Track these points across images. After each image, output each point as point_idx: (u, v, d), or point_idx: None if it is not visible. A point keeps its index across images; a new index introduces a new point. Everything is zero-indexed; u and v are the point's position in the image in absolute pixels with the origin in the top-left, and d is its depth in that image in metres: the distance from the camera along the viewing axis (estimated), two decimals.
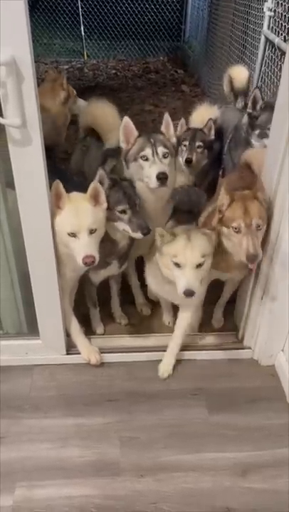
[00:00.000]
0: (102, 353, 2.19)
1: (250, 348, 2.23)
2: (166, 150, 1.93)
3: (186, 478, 1.74)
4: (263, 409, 2.01)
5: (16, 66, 1.39)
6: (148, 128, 3.24)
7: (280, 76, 2.02)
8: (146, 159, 1.92)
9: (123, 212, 1.82)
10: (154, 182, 1.88)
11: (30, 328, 2.11)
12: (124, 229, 1.85)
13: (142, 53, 7.60)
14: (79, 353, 2.17)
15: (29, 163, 1.59)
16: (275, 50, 3.15)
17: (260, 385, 2.11)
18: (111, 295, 2.40)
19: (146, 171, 1.91)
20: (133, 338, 2.29)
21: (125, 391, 2.06)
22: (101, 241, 1.83)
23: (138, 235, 1.82)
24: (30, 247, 1.81)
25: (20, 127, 1.49)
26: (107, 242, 1.92)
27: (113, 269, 2.09)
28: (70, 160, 2.80)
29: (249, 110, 2.41)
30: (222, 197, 1.79)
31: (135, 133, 1.97)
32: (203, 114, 2.70)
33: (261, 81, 3.48)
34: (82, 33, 7.46)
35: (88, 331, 2.31)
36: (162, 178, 1.87)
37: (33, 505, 1.65)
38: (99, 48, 7.59)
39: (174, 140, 2.03)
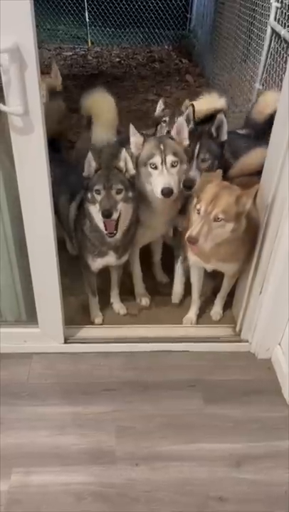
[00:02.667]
0: (100, 342, 2.20)
1: (247, 341, 2.24)
2: (175, 159, 1.90)
3: (180, 467, 1.76)
4: (259, 402, 2.02)
5: (20, 53, 1.37)
6: (151, 118, 3.21)
7: (285, 68, 2.00)
8: (155, 167, 1.90)
9: (97, 192, 1.86)
10: (158, 193, 1.88)
11: (29, 316, 2.11)
12: (97, 211, 1.87)
13: (146, 41, 7.52)
14: (77, 342, 2.19)
15: (31, 150, 1.58)
16: (281, 42, 3.12)
17: (256, 378, 2.13)
18: (111, 284, 2.40)
19: (154, 180, 1.91)
20: (132, 328, 2.29)
21: (123, 381, 2.08)
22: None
23: (99, 216, 1.86)
24: (30, 234, 1.81)
25: (22, 115, 1.48)
26: (98, 232, 1.96)
27: (110, 259, 2.10)
28: (74, 149, 2.79)
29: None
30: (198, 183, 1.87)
31: (140, 138, 1.96)
32: (270, 103, 2.58)
33: (266, 73, 3.45)
34: (87, 20, 7.37)
35: (86, 320, 2.32)
36: (166, 192, 1.87)
37: (29, 491, 1.67)
38: (103, 35, 7.51)
39: (186, 143, 1.99)
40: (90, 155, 1.91)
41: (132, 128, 1.96)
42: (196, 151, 2.05)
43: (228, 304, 2.41)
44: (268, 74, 3.42)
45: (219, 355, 2.22)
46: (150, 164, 1.91)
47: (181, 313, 2.38)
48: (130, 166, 1.92)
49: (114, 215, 1.84)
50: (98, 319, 2.34)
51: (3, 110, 1.47)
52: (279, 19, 3.22)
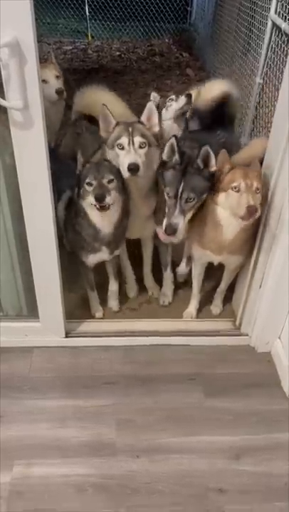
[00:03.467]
0: (100, 336, 2.22)
1: (247, 334, 2.25)
2: (143, 140, 1.91)
3: (180, 459, 1.78)
4: (258, 394, 2.04)
5: (19, 48, 1.37)
6: None
7: (285, 62, 1.99)
8: (122, 148, 1.91)
9: (89, 184, 1.86)
10: (125, 171, 1.88)
11: (30, 310, 2.13)
12: (90, 202, 1.87)
13: (146, 35, 7.45)
14: (78, 336, 2.20)
15: (31, 145, 1.58)
16: (282, 35, 3.10)
17: (256, 372, 2.14)
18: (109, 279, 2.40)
19: (121, 160, 1.91)
20: (132, 322, 2.31)
21: (123, 374, 2.09)
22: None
23: (92, 206, 1.86)
24: (31, 229, 1.82)
25: (22, 110, 1.49)
26: (89, 228, 1.97)
27: (104, 255, 2.11)
28: (61, 143, 2.77)
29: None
30: (221, 165, 1.83)
31: (113, 121, 1.96)
32: (212, 89, 2.57)
33: (267, 67, 3.43)
34: (87, 14, 7.32)
35: (87, 314, 2.33)
36: (133, 168, 1.86)
37: (31, 483, 1.69)
38: (103, 29, 7.45)
39: (156, 129, 1.99)
40: (79, 154, 1.91)
41: (104, 109, 1.95)
42: (180, 190, 1.84)
43: (228, 298, 2.42)
44: (269, 67, 3.40)
45: (219, 349, 2.23)
46: (117, 145, 1.91)
47: (181, 307, 2.39)
48: None
49: (108, 199, 1.83)
50: (99, 313, 2.35)
51: (3, 105, 1.47)
52: (280, 12, 3.19)
